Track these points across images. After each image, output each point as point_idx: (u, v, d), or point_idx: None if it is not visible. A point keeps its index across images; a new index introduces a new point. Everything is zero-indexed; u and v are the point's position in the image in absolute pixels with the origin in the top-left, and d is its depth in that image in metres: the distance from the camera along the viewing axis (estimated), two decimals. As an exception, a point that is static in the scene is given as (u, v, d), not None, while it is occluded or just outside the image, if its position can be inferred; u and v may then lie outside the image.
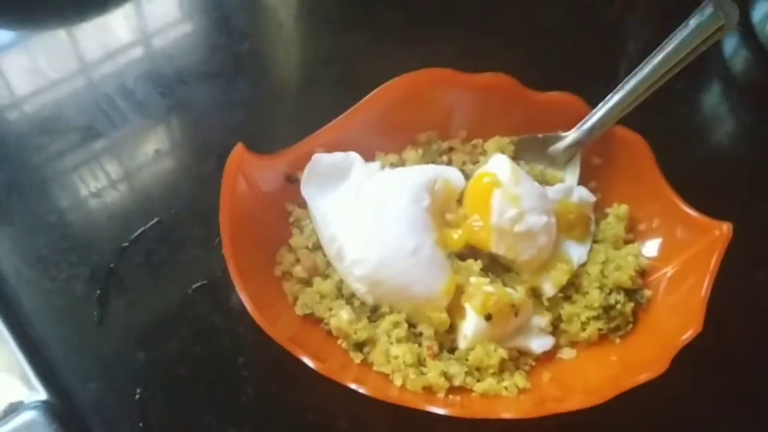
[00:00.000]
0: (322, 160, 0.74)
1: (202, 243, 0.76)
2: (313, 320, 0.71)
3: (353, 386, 0.63)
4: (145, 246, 0.76)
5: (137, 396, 0.70)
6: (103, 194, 0.79)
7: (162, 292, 0.75)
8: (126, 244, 0.76)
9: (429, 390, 0.67)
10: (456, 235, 0.72)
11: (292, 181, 0.74)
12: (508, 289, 0.70)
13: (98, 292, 0.74)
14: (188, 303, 0.74)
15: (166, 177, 0.81)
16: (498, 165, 0.73)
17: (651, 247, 0.76)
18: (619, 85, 0.74)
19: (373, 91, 0.75)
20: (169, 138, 0.83)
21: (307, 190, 0.73)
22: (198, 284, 0.75)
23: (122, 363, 0.71)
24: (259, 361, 0.71)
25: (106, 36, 0.87)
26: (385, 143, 0.78)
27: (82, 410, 0.69)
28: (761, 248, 0.81)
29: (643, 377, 0.65)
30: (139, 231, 0.77)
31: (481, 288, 0.69)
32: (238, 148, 0.69)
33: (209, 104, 0.84)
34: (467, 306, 0.69)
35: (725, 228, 0.70)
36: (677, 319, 0.69)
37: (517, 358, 0.71)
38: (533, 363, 0.72)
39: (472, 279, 0.70)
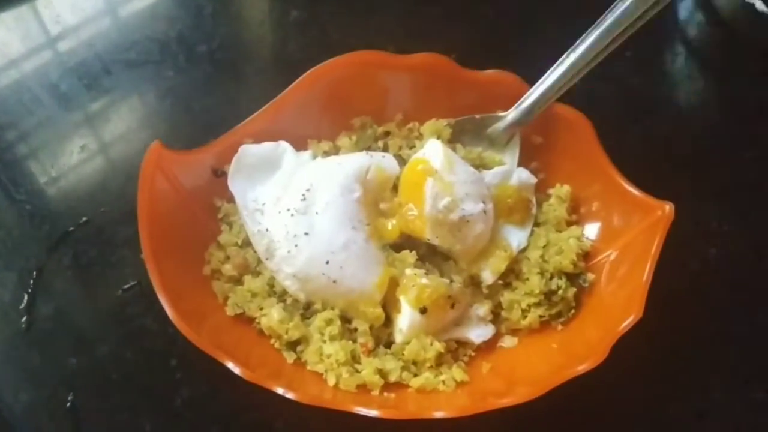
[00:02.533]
0: (250, 151, 0.71)
1: (132, 242, 0.72)
2: (245, 320, 0.69)
3: (280, 391, 0.61)
4: (74, 247, 0.74)
5: (69, 404, 0.69)
6: (28, 194, 0.76)
7: (92, 294, 0.73)
8: (53, 245, 0.74)
9: (364, 388, 0.66)
10: (390, 225, 0.70)
11: (219, 175, 0.72)
12: (445, 280, 0.68)
13: (25, 297, 0.72)
14: (119, 305, 0.72)
15: (93, 174, 0.78)
16: (432, 151, 0.71)
17: (594, 229, 0.74)
18: (558, 61, 0.71)
19: (303, 75, 0.73)
20: (95, 133, 0.80)
21: (234, 184, 0.70)
22: (128, 285, 0.73)
23: (53, 370, 0.70)
24: (193, 363, 0.69)
25: (27, 27, 0.83)
26: (318, 130, 0.76)
27: (13, 424, 0.68)
28: (706, 225, 0.79)
29: (582, 367, 0.63)
30: (66, 231, 0.75)
31: (416, 280, 0.67)
32: (155, 146, 0.66)
33: (136, 95, 0.81)
34: (402, 299, 0.67)
35: (667, 208, 0.67)
36: (619, 304, 0.68)
37: (456, 350, 0.70)
38: (473, 353, 0.70)
39: (407, 271, 0.68)
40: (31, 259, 0.73)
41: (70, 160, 0.78)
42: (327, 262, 0.66)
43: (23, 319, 0.71)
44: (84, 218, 0.75)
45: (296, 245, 0.67)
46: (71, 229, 0.75)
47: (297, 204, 0.68)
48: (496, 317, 0.72)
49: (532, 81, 0.73)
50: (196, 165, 0.71)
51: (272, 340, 0.68)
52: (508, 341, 0.71)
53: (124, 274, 0.73)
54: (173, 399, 0.69)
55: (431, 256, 0.71)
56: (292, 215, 0.67)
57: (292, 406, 0.62)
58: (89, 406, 0.69)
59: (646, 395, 0.72)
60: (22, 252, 0.74)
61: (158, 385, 0.70)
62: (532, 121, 0.74)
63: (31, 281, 0.72)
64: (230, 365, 0.62)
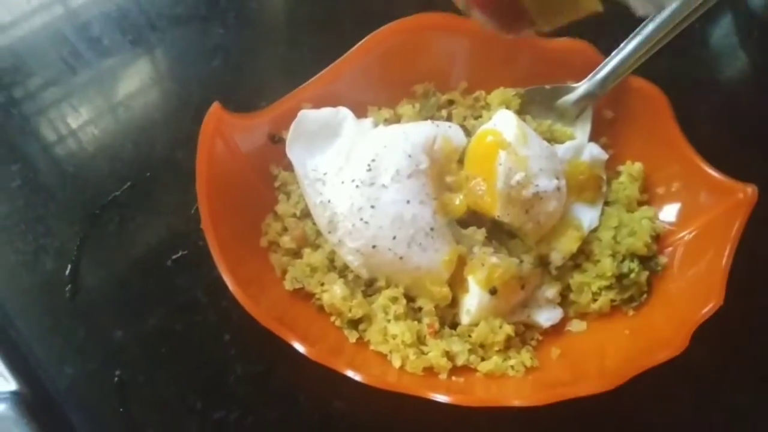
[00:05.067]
0: (309, 117, 0.67)
1: (181, 209, 0.69)
2: (304, 295, 0.66)
3: (348, 373, 0.58)
4: (119, 213, 0.70)
5: (116, 379, 0.65)
6: (70, 156, 0.72)
7: (138, 264, 0.69)
8: (97, 211, 0.70)
9: (430, 371, 0.63)
10: (458, 200, 0.66)
11: (276, 141, 0.68)
12: (514, 260, 0.65)
13: (69, 265, 0.68)
14: (167, 276, 0.69)
15: (138, 136, 0.73)
16: (503, 122, 0.67)
17: (667, 210, 0.70)
18: (636, 30, 0.67)
19: (365, 39, 0.68)
20: (140, 92, 0.75)
21: (293, 152, 0.66)
22: (177, 255, 0.69)
23: (98, 343, 0.66)
24: (247, 338, 0.66)
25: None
26: (379, 97, 0.72)
27: (57, 399, 0.64)
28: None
29: (661, 356, 0.60)
30: (111, 197, 0.71)
31: (486, 259, 0.64)
32: (214, 109, 0.62)
33: (182, 52, 0.76)
34: (470, 279, 0.64)
35: (750, 191, 0.64)
36: (696, 290, 0.65)
37: (523, 333, 0.67)
38: (540, 337, 0.67)
39: (476, 249, 0.65)
40: (74, 224, 0.69)
41: (113, 121, 0.74)
42: (394, 238, 0.63)
43: (67, 288, 0.67)
44: (129, 183, 0.71)
45: (362, 218, 0.63)
46: (116, 194, 0.70)
47: (362, 175, 0.64)
48: (564, 300, 0.68)
49: (606, 51, 0.69)
50: (253, 130, 0.67)
51: (333, 318, 0.65)
52: (576, 325, 0.68)
53: (173, 243, 0.69)
54: (226, 376, 0.66)
55: (497, 234, 0.68)
56: (357, 186, 0.63)
57: (352, 387, 0.59)
58: (137, 381, 0.66)
59: (723, 385, 0.70)
60: (65, 217, 0.70)
61: (210, 362, 0.67)
62: (605, 94, 0.69)
63: (75, 248, 0.68)
64: (294, 343, 0.59)
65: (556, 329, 0.68)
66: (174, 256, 0.69)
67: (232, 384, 0.66)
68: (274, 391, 0.66)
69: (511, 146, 0.65)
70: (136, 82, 0.75)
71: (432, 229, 0.64)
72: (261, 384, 0.66)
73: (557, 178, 0.66)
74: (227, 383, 0.66)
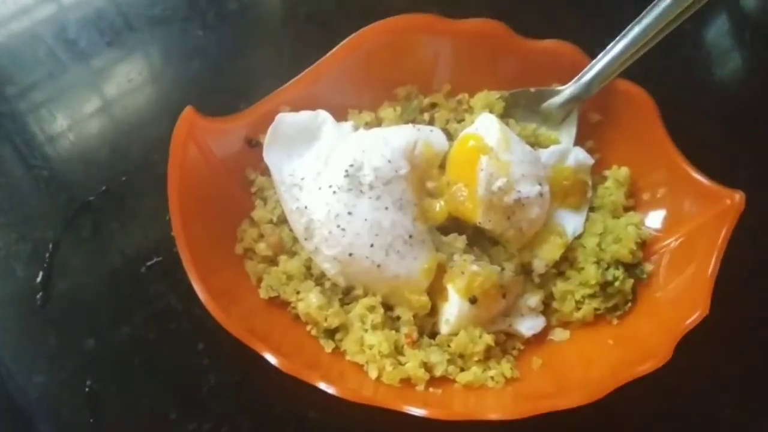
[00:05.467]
0: (286, 120, 0.65)
1: (156, 214, 0.68)
2: (280, 304, 0.64)
3: (321, 385, 0.57)
4: (93, 218, 0.69)
5: (87, 389, 0.64)
6: (44, 159, 0.71)
7: (112, 271, 0.68)
8: (71, 216, 0.69)
9: (407, 382, 0.61)
10: (438, 207, 0.65)
11: (253, 145, 0.66)
12: (496, 267, 0.63)
13: (41, 272, 0.67)
14: (141, 283, 0.67)
15: (114, 138, 0.72)
16: (485, 126, 0.65)
17: (653, 216, 0.68)
18: (623, 32, 0.65)
19: (346, 40, 0.67)
20: (117, 95, 0.73)
21: (269, 156, 0.65)
22: (152, 261, 0.68)
23: (70, 352, 0.65)
24: (222, 347, 0.64)
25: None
26: (360, 99, 0.70)
27: (26, 409, 0.63)
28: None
29: (644, 368, 0.59)
30: (85, 201, 0.69)
31: (466, 267, 0.62)
32: (187, 113, 0.60)
33: (161, 54, 0.75)
34: (450, 287, 0.62)
35: (737, 197, 0.62)
36: (681, 298, 0.63)
37: (504, 342, 0.65)
38: (522, 347, 0.66)
39: (456, 257, 0.63)
40: (47, 230, 0.68)
41: (89, 124, 0.72)
42: (371, 245, 0.61)
43: (38, 296, 0.66)
44: (104, 187, 0.70)
45: (339, 225, 0.61)
46: (90, 198, 0.69)
47: (340, 180, 0.62)
48: (546, 308, 0.67)
49: (592, 53, 0.67)
50: (229, 134, 0.65)
51: (309, 327, 0.63)
52: (559, 334, 0.66)
53: (148, 249, 0.68)
54: (200, 386, 0.65)
55: (479, 240, 0.66)
56: (334, 192, 0.62)
57: (328, 397, 0.58)
58: (109, 391, 0.64)
59: (709, 397, 0.68)
60: (38, 222, 0.68)
61: (184, 371, 0.65)
62: (591, 97, 0.68)
63: (47, 255, 0.67)
64: (266, 355, 0.57)
65: (539, 338, 0.66)
66: (149, 263, 0.68)
67: (205, 394, 0.65)
68: (248, 401, 0.65)
69: (493, 151, 0.63)
70: (113, 85, 0.74)
71: (411, 236, 0.62)
72: (235, 394, 0.65)
73: (540, 184, 0.64)
74: (201, 393, 0.65)
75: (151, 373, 0.65)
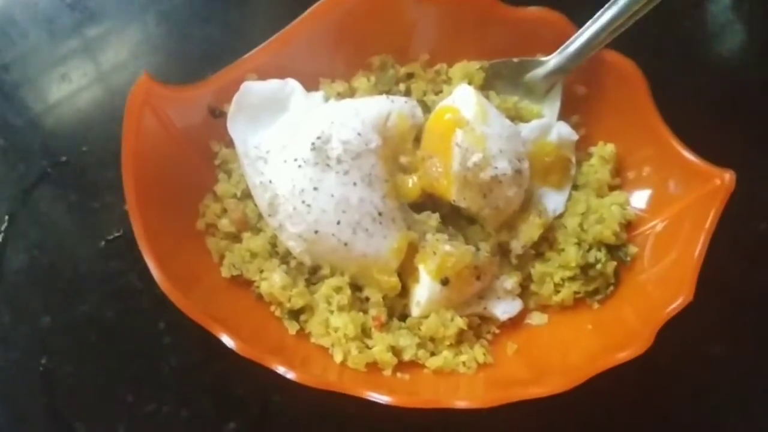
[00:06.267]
0: (253, 89, 0.62)
1: (117, 188, 0.63)
2: (242, 283, 0.61)
3: (280, 370, 0.54)
4: (51, 191, 0.66)
5: (41, 368, 0.62)
6: (2, 128, 0.68)
7: (70, 245, 0.65)
8: (28, 188, 0.66)
9: (374, 366, 0.58)
10: (411, 183, 0.62)
11: (217, 115, 0.63)
12: (471, 247, 0.60)
13: (-5, 246, 0.64)
14: (100, 258, 0.65)
15: (75, 110, 0.69)
16: (462, 98, 0.62)
17: (639, 196, 0.65)
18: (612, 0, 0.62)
19: (318, 2, 0.63)
20: (78, 63, 0.70)
21: (234, 127, 0.62)
22: (112, 236, 0.65)
23: (24, 331, 0.63)
24: (183, 327, 0.60)
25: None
26: (332, 68, 0.67)
27: (-23, 387, 0.61)
28: (760, 196, 0.70)
29: (622, 355, 0.56)
30: (43, 173, 0.66)
31: (438, 247, 0.59)
32: (142, 81, 0.57)
33: (125, 20, 0.71)
34: (421, 268, 0.59)
35: (727, 177, 0.59)
36: (665, 283, 0.60)
37: (479, 326, 0.62)
38: (497, 331, 0.63)
39: (429, 236, 0.60)
40: (2, 202, 0.65)
41: (49, 93, 0.69)
42: (338, 223, 0.58)
43: (-8, 271, 0.63)
44: (63, 158, 0.67)
45: (303, 201, 0.58)
46: (49, 170, 0.66)
47: (306, 154, 0.59)
48: (524, 291, 0.64)
49: (579, 23, 0.63)
50: (191, 103, 0.62)
51: (272, 308, 0.61)
52: (536, 318, 0.64)
53: (108, 223, 0.65)
54: (159, 367, 0.63)
55: (455, 219, 0.63)
56: (299, 166, 0.59)
57: (292, 380, 0.55)
58: (64, 371, 0.62)
59: (691, 385, 0.65)
60: (-9, 194, 0.65)
61: (143, 351, 0.63)
62: (577, 68, 0.64)
63: (2, 227, 0.64)
64: (224, 337, 0.54)
65: (515, 323, 0.63)
66: (108, 237, 0.65)
67: (165, 375, 0.62)
68: (209, 383, 0.63)
69: (469, 125, 0.60)
70: (74, 49, 0.71)
71: (380, 213, 0.59)
72: (196, 376, 0.63)
73: (519, 160, 0.61)
74: (161, 374, 0.62)
75: (109, 352, 0.63)
